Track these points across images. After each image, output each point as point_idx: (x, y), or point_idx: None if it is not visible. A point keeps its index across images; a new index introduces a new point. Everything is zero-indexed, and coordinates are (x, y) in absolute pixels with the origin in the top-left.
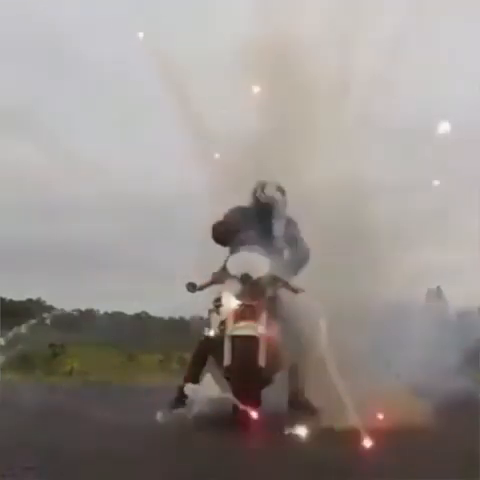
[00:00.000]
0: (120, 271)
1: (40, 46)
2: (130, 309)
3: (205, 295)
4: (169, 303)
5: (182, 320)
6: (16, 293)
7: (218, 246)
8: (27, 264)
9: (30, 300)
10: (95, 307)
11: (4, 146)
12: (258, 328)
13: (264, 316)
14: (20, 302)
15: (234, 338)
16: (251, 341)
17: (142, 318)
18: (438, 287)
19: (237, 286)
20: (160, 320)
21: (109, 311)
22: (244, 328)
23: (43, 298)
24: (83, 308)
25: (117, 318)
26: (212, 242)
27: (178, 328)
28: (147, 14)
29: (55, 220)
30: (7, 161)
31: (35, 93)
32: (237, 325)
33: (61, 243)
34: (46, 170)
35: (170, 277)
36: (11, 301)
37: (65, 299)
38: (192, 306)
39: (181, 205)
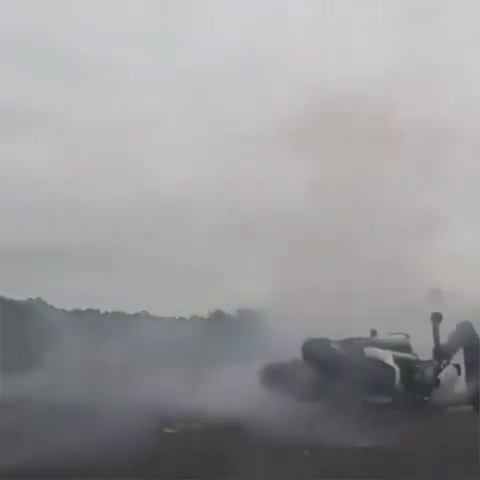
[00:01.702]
0: (120, 271)
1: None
2: (130, 309)
3: None
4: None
5: (182, 320)
6: (16, 293)
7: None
8: (27, 264)
9: (30, 300)
10: (95, 307)
11: (6, 146)
12: None
13: None
14: (20, 302)
15: None
16: None
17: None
18: (438, 287)
19: None
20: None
21: (109, 311)
22: None
23: (43, 298)
24: (83, 308)
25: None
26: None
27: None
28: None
29: (55, 220)
30: (9, 161)
31: (41, 94)
32: None
33: (61, 243)
34: (47, 171)
35: (170, 277)
36: (11, 301)
37: (65, 299)
38: None
39: (181, 206)
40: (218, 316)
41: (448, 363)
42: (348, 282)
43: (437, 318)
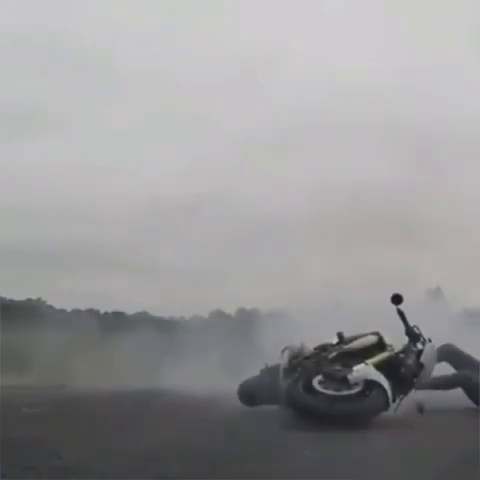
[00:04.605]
0: (120, 271)
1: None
2: (130, 309)
3: None
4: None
5: (182, 319)
6: (16, 293)
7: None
8: (27, 264)
9: (30, 300)
10: (95, 307)
11: (7, 146)
12: None
13: None
14: (20, 302)
15: None
16: None
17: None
18: (438, 287)
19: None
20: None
21: (109, 311)
22: None
23: (43, 298)
24: (83, 308)
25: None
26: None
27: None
28: None
29: (55, 220)
30: (9, 161)
31: (46, 94)
32: None
33: (61, 243)
34: (47, 171)
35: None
36: (11, 301)
37: (65, 299)
38: None
39: (182, 206)
40: (219, 316)
41: (425, 341)
42: (348, 282)
43: (397, 300)
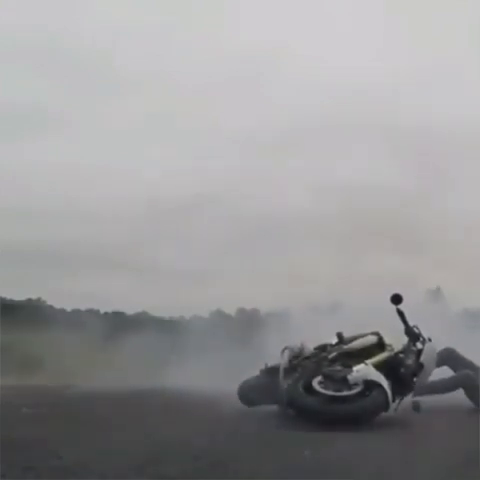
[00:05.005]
0: (120, 271)
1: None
2: (130, 309)
3: None
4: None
5: (182, 319)
6: (16, 293)
7: None
8: (27, 264)
9: (30, 300)
10: (95, 307)
11: (7, 146)
12: None
13: None
14: (20, 302)
15: None
16: None
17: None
18: (438, 287)
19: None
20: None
21: (109, 311)
22: None
23: (43, 298)
24: (83, 308)
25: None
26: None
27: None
28: None
29: (55, 220)
30: (9, 161)
31: (46, 94)
32: None
33: (61, 243)
34: (48, 171)
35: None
36: (11, 301)
37: (65, 299)
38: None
39: (182, 206)
40: (219, 316)
41: (424, 340)
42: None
43: (397, 300)
